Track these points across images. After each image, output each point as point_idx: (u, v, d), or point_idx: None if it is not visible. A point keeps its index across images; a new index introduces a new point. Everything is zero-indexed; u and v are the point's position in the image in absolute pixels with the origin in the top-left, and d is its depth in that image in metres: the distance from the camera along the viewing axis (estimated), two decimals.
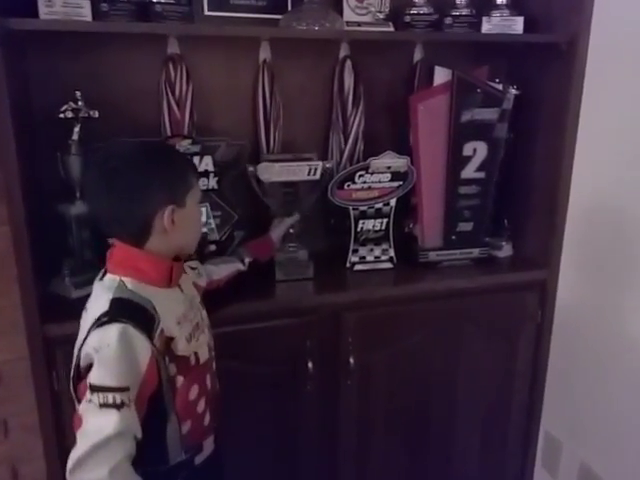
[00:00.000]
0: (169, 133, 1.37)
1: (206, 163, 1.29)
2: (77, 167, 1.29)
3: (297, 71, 1.48)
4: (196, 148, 1.28)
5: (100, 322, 0.86)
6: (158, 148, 1.04)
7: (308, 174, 1.38)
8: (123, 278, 0.91)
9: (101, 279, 0.94)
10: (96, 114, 1.29)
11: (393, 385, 1.45)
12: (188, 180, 0.96)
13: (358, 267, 1.50)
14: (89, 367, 0.86)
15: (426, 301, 1.44)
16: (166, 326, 0.91)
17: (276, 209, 1.41)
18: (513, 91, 1.48)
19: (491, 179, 1.50)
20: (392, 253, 1.52)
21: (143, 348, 0.86)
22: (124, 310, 0.88)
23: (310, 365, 1.34)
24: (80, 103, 1.28)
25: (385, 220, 1.50)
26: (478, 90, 1.40)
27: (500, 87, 1.45)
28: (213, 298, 1.15)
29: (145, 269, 0.93)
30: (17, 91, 1.18)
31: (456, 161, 1.46)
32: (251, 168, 1.34)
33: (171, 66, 1.35)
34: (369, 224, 1.49)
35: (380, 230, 1.50)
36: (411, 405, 1.50)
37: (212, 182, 1.31)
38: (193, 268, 1.13)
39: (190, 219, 0.97)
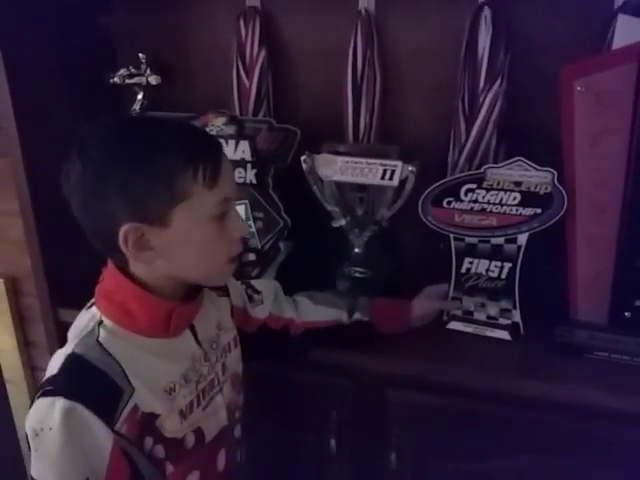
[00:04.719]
0: (237, 107, 1.11)
1: (242, 150, 0.98)
2: None
3: (412, 27, 1.02)
4: (231, 130, 0.99)
5: (44, 390, 0.62)
6: (135, 132, 0.64)
7: (382, 177, 0.95)
8: (105, 319, 0.66)
9: (89, 307, 0.70)
10: (155, 80, 1.12)
11: None
12: (175, 188, 0.61)
13: (455, 325, 0.99)
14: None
15: (542, 410, 0.86)
16: (144, 399, 0.64)
17: (340, 219, 1.02)
18: None
19: None
20: (517, 317, 0.97)
21: (101, 436, 0.60)
22: (77, 378, 0.63)
23: (333, 443, 0.96)
24: (144, 67, 1.13)
25: (508, 265, 0.95)
26: None
27: None
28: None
29: (134, 311, 0.66)
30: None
31: None
32: (306, 159, 0.98)
33: (242, 24, 1.07)
34: (481, 266, 0.97)
35: (499, 279, 0.96)
36: None
37: (250, 175, 0.99)
38: (257, 291, 0.87)
39: (184, 243, 0.65)
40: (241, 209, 1.02)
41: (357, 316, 0.91)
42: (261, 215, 1.03)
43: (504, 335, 0.97)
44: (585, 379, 0.87)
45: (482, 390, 0.88)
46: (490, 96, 0.94)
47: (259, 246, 1.04)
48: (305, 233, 1.05)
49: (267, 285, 0.91)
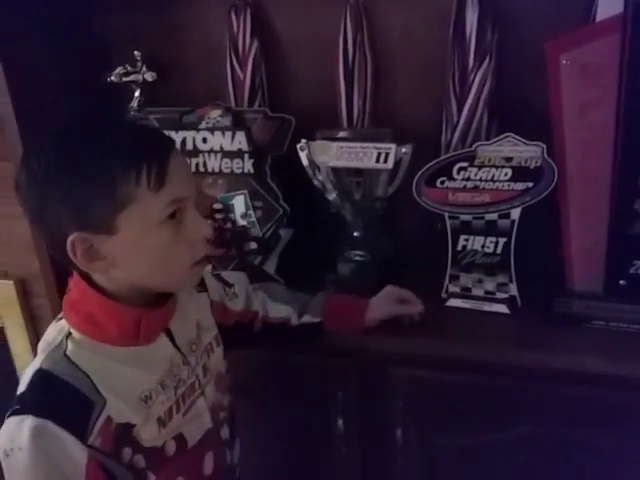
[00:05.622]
0: (232, 99, 1.13)
1: (239, 141, 1.00)
2: None
3: (400, 10, 1.03)
4: (227, 121, 1.01)
5: (13, 409, 0.60)
6: (73, 140, 0.61)
7: (377, 160, 0.97)
8: (73, 331, 0.64)
9: (59, 319, 0.68)
10: (150, 77, 1.14)
11: None
12: (117, 193, 0.59)
13: (454, 302, 1.02)
14: None
15: (544, 380, 0.88)
16: (117, 410, 0.63)
17: (339, 204, 1.04)
18: None
19: None
20: (514, 291, 0.99)
21: (74, 452, 0.59)
22: (45, 395, 0.61)
23: (340, 423, 0.98)
24: (139, 64, 1.15)
25: (503, 240, 0.96)
26: None
27: None
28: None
29: (102, 321, 0.64)
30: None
31: (632, 156, 0.82)
32: (302, 146, 1.00)
33: (233, 17, 1.09)
34: (476, 242, 0.98)
35: (494, 254, 0.98)
36: None
37: (247, 165, 1.02)
38: (229, 284, 0.88)
39: (136, 249, 0.62)
40: (240, 199, 1.05)
41: (306, 318, 0.90)
42: (260, 204, 1.05)
43: (502, 309, 0.99)
44: (585, 348, 0.88)
45: (483, 363, 0.90)
46: (480, 75, 0.96)
47: (260, 235, 1.06)
48: (304, 219, 1.08)
49: (238, 278, 0.91)
